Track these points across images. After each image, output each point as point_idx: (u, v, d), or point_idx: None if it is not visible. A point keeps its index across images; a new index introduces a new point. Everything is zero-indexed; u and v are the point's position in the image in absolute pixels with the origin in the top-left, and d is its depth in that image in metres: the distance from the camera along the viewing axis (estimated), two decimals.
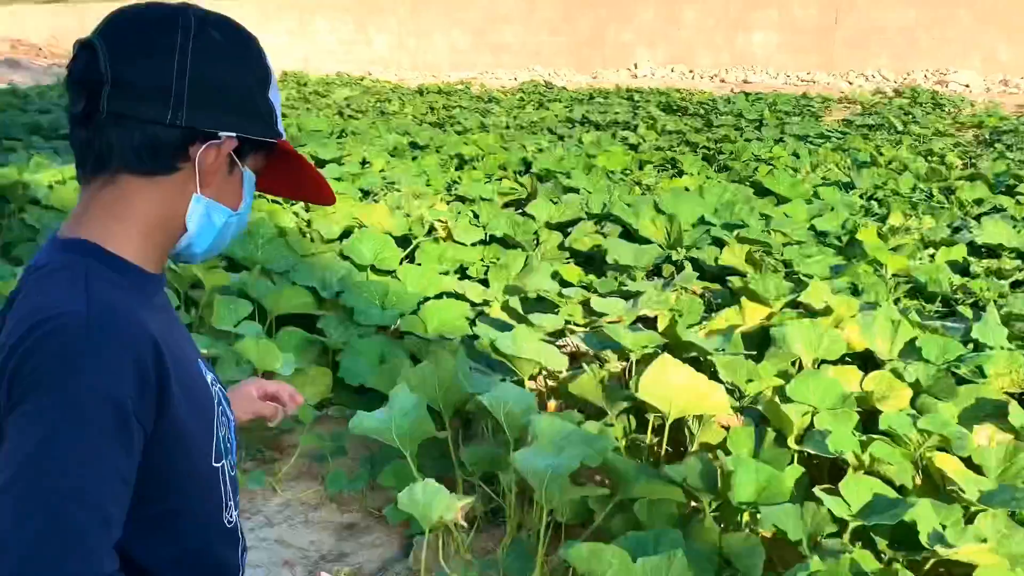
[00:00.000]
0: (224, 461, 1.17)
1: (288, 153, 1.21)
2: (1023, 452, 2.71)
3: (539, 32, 21.94)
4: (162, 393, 1.00)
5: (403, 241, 5.02)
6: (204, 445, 1.12)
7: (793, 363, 3.39)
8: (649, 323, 4.04)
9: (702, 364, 3.51)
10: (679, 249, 4.76)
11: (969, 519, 2.43)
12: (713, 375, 3.34)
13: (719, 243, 4.82)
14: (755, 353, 3.44)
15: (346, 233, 4.99)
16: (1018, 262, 5.00)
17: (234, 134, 1.08)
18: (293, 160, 1.23)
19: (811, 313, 3.75)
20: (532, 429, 2.63)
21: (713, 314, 3.97)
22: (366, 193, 6.20)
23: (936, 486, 2.73)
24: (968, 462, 2.72)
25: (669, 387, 2.98)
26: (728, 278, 4.20)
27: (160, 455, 1.02)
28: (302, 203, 5.66)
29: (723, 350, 3.47)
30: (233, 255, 4.61)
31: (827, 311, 3.71)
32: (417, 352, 3.96)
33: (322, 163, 7.21)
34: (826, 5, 18.42)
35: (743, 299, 3.86)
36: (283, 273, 4.39)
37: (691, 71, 19.91)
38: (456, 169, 7.59)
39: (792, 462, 2.84)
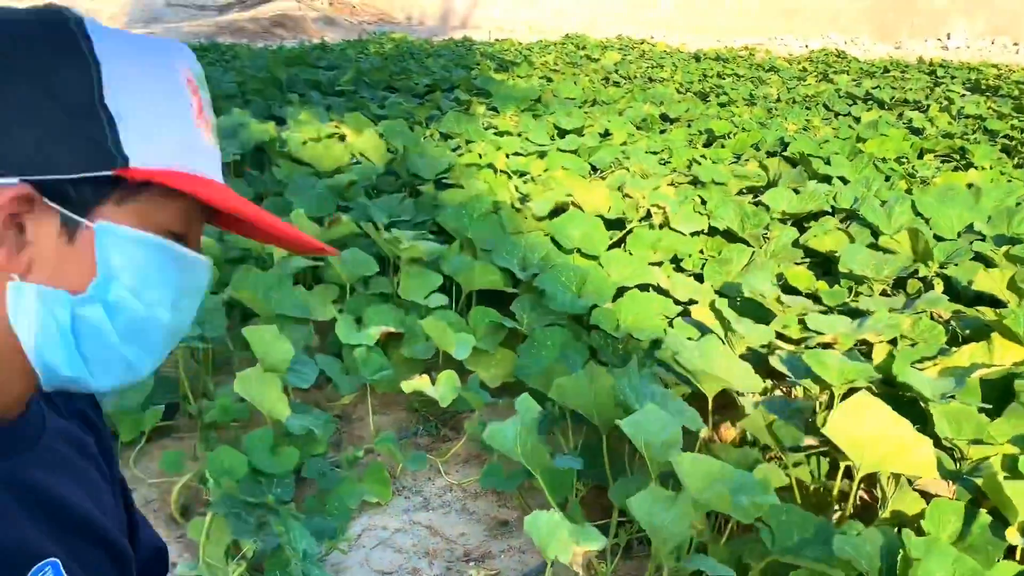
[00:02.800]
0: None
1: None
2: None
3: None
4: None
5: (617, 224, 4.75)
6: None
7: None
8: (873, 351, 3.48)
9: (924, 412, 2.95)
10: (930, 263, 4.06)
11: None
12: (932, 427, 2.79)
13: (982, 260, 4.04)
14: (991, 407, 2.82)
15: (559, 211, 4.82)
16: None
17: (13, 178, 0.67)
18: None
19: None
20: (676, 468, 2.32)
21: (954, 348, 3.33)
22: (595, 169, 5.98)
23: None
24: None
25: (863, 431, 2.51)
26: (979, 308, 3.50)
27: None
28: (523, 176, 5.56)
29: (952, 397, 2.88)
30: (446, 225, 4.61)
31: None
32: (602, 349, 3.73)
33: (563, 132, 7.08)
34: None
35: (994, 336, 3.20)
36: (488, 250, 4.32)
37: (1016, 44, 17.36)
38: (704, 146, 7.12)
39: (1007, 557, 2.28)
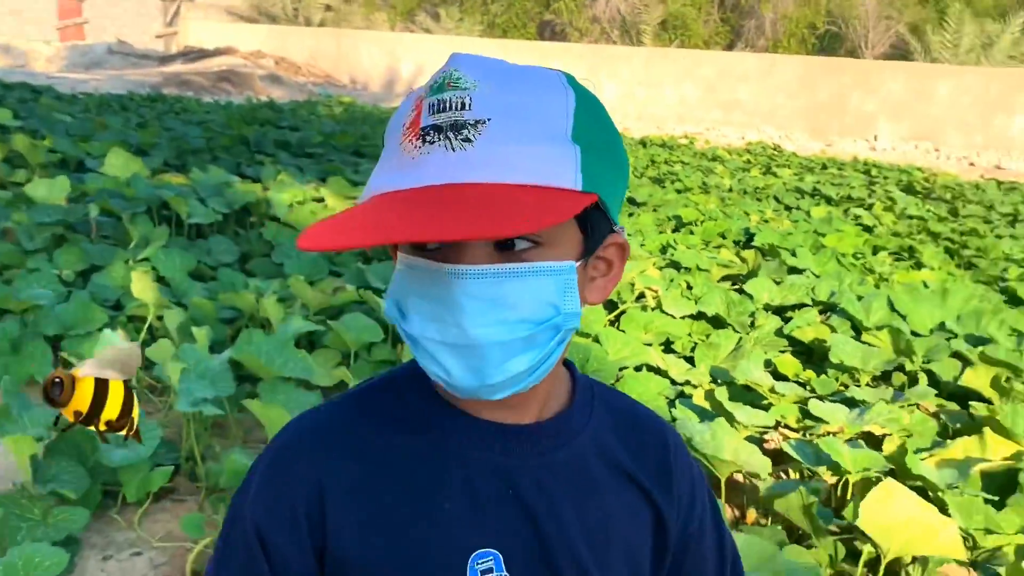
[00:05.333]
0: None
1: None
2: None
3: (775, 94, 21.29)
4: None
5: (609, 304, 4.87)
6: None
7: None
8: (871, 440, 3.64)
9: (930, 500, 3.10)
10: (913, 358, 4.29)
11: None
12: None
13: (960, 357, 4.30)
14: (996, 499, 2.98)
15: None
16: None
17: None
18: None
19: None
20: None
21: (948, 441, 3.52)
22: None
23: None
24: None
25: (892, 519, 2.63)
26: (970, 403, 3.71)
27: None
28: None
29: (956, 487, 3.04)
30: None
31: None
32: None
33: None
34: None
35: (986, 430, 3.39)
36: None
37: (937, 149, 18.54)
38: (673, 231, 7.37)
39: None
